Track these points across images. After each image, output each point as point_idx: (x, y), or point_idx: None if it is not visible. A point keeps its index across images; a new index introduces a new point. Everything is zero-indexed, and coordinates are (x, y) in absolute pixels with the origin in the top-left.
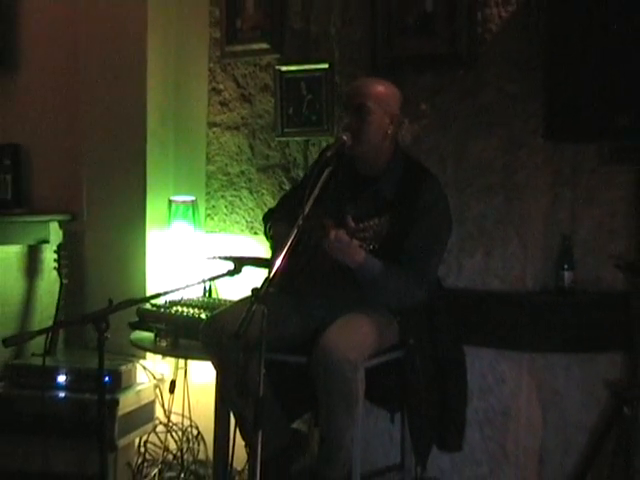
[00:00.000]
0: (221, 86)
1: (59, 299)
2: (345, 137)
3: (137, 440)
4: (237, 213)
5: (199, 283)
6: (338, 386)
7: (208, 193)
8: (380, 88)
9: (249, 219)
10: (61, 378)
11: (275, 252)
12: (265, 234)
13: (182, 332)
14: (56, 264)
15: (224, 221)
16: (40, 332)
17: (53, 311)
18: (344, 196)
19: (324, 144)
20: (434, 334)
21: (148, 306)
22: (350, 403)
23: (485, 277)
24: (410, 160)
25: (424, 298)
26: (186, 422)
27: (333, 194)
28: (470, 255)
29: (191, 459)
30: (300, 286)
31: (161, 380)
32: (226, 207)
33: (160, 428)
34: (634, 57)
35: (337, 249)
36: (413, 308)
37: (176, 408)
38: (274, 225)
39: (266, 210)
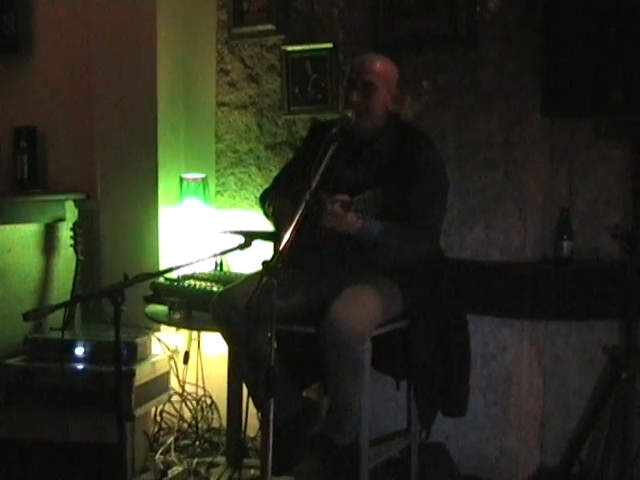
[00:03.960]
0: (229, 67)
1: (75, 275)
2: (350, 114)
3: (153, 410)
4: (246, 189)
5: (211, 257)
6: (346, 357)
7: (218, 170)
8: (385, 66)
9: (258, 195)
10: (79, 351)
11: (277, 227)
12: (264, 214)
13: (195, 305)
14: (72, 241)
15: (234, 197)
16: (59, 306)
17: (70, 287)
18: (341, 161)
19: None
20: (437, 303)
21: (162, 280)
22: (357, 373)
23: (486, 249)
24: (401, 122)
25: (431, 251)
26: (200, 392)
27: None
28: (471, 228)
29: (205, 427)
30: (305, 260)
31: (175, 351)
32: (235, 184)
33: (175, 398)
34: (629, 35)
35: (333, 222)
36: (414, 269)
37: (190, 378)
38: (272, 203)
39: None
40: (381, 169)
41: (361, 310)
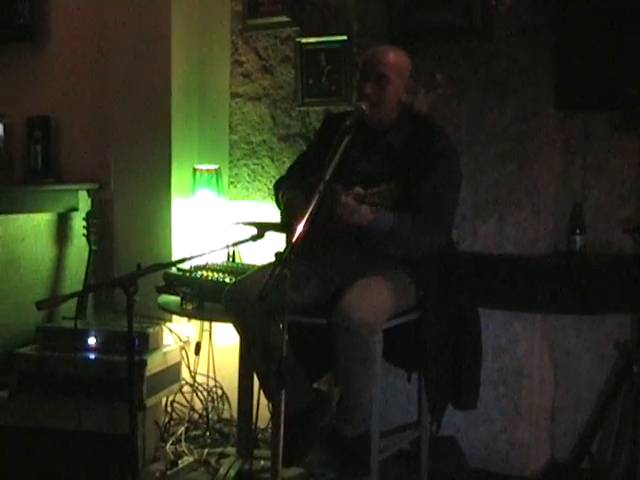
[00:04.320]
0: (243, 58)
1: (88, 265)
2: (364, 106)
3: (164, 400)
4: (259, 181)
5: (223, 248)
6: (357, 348)
7: (231, 162)
8: (398, 58)
9: (271, 186)
10: (91, 340)
11: (289, 218)
12: (276, 202)
13: (207, 295)
14: (85, 231)
15: (247, 189)
16: (73, 295)
17: (82, 276)
18: (355, 152)
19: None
20: (449, 296)
21: (174, 271)
22: (368, 364)
23: (499, 242)
24: (415, 113)
25: (443, 242)
26: (211, 382)
27: (344, 153)
28: (484, 220)
29: (216, 418)
30: (318, 252)
31: (187, 342)
32: (249, 175)
33: (186, 388)
34: None
35: (347, 214)
36: (425, 262)
37: (201, 369)
38: (286, 192)
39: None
40: (394, 161)
41: (373, 301)
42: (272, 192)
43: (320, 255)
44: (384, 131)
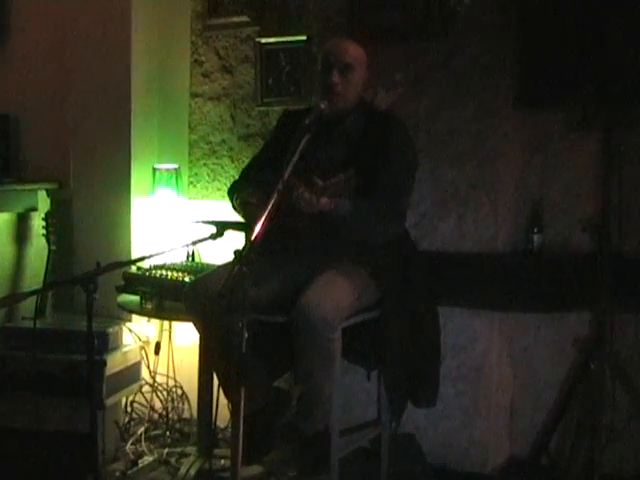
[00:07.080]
0: (203, 58)
1: (47, 265)
2: (323, 105)
3: (124, 400)
4: (219, 180)
5: (183, 247)
6: (316, 345)
7: (191, 161)
8: (358, 50)
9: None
10: (51, 340)
11: (248, 217)
12: (233, 207)
13: (167, 295)
14: (44, 231)
15: (206, 188)
16: (32, 293)
17: (42, 277)
18: (313, 142)
19: None
20: (408, 294)
21: (134, 270)
22: (328, 361)
23: (458, 240)
24: (371, 105)
25: (398, 231)
26: (171, 382)
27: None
28: (443, 219)
29: (176, 418)
30: (279, 247)
31: (146, 342)
32: (208, 175)
33: (146, 388)
34: (600, 30)
35: (305, 207)
36: (385, 260)
37: (161, 369)
38: (240, 194)
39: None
40: (351, 148)
41: (333, 299)
42: (227, 194)
43: (281, 251)
44: (340, 119)
